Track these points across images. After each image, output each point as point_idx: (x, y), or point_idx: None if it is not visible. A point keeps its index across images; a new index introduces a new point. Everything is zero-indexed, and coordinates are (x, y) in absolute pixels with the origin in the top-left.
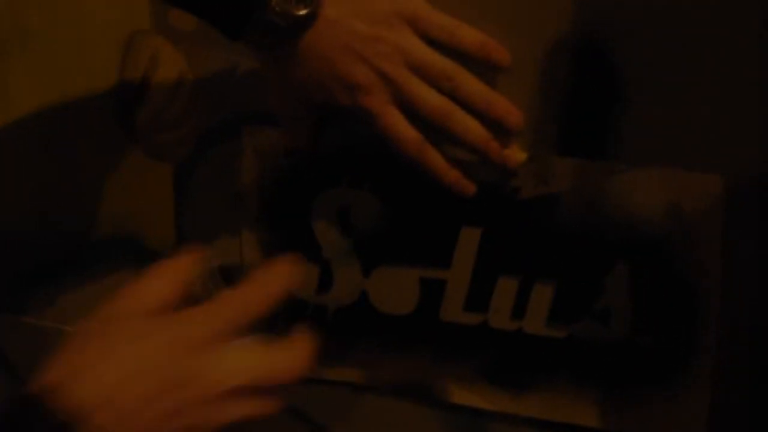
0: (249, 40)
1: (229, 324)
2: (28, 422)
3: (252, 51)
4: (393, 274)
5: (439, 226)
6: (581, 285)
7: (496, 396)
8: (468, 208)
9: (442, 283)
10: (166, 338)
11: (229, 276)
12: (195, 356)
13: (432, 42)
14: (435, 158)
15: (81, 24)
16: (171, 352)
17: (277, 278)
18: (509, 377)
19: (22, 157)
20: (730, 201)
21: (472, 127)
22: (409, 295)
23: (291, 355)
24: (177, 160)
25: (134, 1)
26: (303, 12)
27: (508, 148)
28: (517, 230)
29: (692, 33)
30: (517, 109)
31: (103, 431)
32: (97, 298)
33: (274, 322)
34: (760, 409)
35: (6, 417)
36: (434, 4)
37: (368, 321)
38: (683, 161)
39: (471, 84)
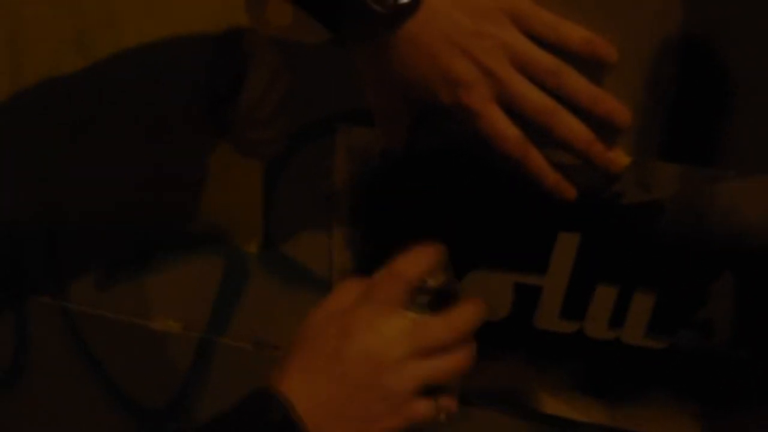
0: (348, 30)
1: (428, 350)
2: (258, 414)
3: (350, 43)
4: (487, 278)
5: (537, 230)
6: (683, 295)
7: (590, 407)
8: (567, 212)
9: (537, 289)
10: (377, 355)
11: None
12: (396, 374)
13: (535, 39)
14: (537, 159)
15: (175, 17)
16: (378, 368)
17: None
18: (604, 388)
19: (113, 150)
20: None
21: (575, 128)
22: (503, 301)
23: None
24: (268, 157)
25: None
26: (405, 0)
27: (612, 152)
28: (617, 237)
29: None
30: (624, 107)
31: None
32: (181, 295)
33: None
34: None
35: (243, 406)
36: (537, 2)
37: None
38: None
39: (576, 81)
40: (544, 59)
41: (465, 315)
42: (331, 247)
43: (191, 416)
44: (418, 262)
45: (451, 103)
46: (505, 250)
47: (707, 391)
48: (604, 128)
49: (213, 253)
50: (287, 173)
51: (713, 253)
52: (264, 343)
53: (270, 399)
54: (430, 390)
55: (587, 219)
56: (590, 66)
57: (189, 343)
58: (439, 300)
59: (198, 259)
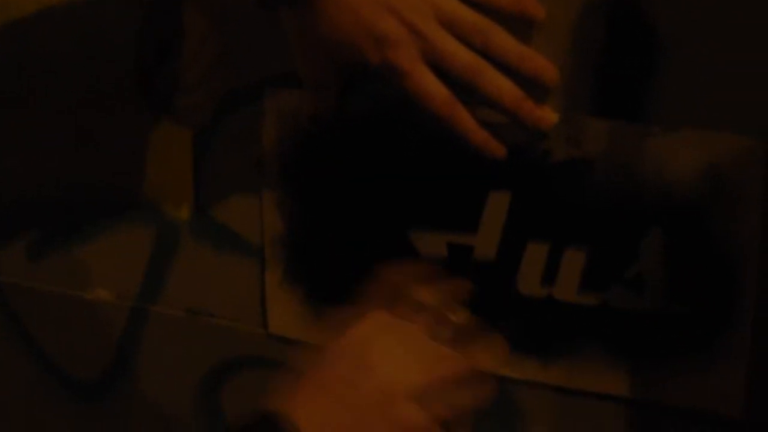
0: None
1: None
2: None
3: (276, 5)
4: (420, 238)
5: (468, 190)
6: (614, 251)
7: (523, 364)
8: (497, 171)
9: (469, 248)
10: (384, 387)
11: None
12: (411, 405)
13: None
14: (465, 117)
15: None
16: (386, 399)
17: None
18: (538, 345)
19: (37, 122)
20: None
21: (504, 86)
22: (437, 260)
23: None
24: (197, 124)
25: None
26: None
27: (540, 109)
28: (547, 194)
29: None
30: (551, 64)
31: None
32: (113, 264)
33: None
34: None
35: (257, 426)
36: None
37: None
38: (722, 124)
39: (504, 39)
40: (471, 17)
41: (488, 353)
42: (261, 212)
43: (126, 386)
44: (442, 293)
45: (378, 63)
46: (437, 210)
47: (639, 347)
48: (532, 86)
49: (144, 221)
50: (217, 139)
51: (642, 208)
52: (197, 311)
53: (277, 423)
54: (444, 424)
55: (518, 177)
56: (518, 25)
57: (122, 313)
58: (459, 337)
59: (129, 228)
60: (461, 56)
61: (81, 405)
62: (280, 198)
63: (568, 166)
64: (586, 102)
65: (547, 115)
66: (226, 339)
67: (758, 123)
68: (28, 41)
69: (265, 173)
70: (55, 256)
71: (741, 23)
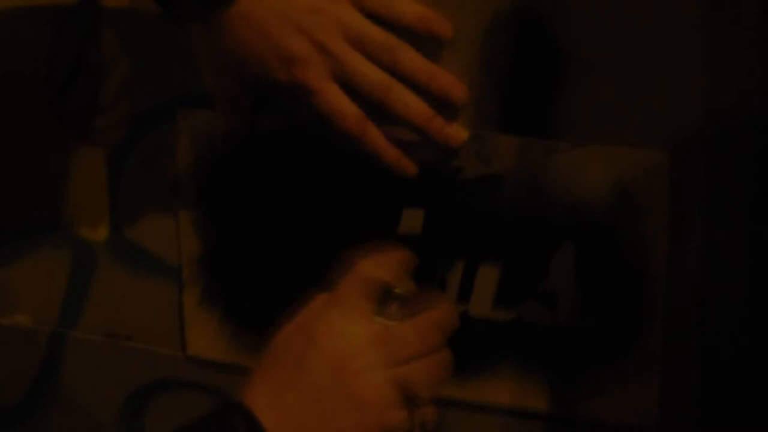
0: (181, 9)
1: (401, 357)
2: (222, 428)
3: (185, 23)
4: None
5: (383, 207)
6: (527, 267)
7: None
8: (411, 188)
9: None
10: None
11: None
12: (366, 381)
13: (371, 17)
14: (376, 136)
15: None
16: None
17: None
18: (455, 362)
19: None
20: (675, 176)
21: (412, 104)
22: None
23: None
24: (111, 144)
25: None
26: None
27: (450, 127)
28: (459, 211)
29: (632, 4)
30: (460, 82)
31: None
32: (29, 288)
33: None
34: (710, 389)
35: (206, 420)
36: None
37: None
38: (627, 137)
39: (412, 57)
40: (379, 36)
41: (437, 320)
42: (178, 233)
43: (46, 413)
44: (386, 265)
45: (286, 81)
46: (353, 228)
47: (555, 361)
48: (442, 104)
49: (60, 244)
50: (131, 159)
51: (552, 224)
52: (116, 334)
53: (235, 412)
54: (405, 401)
55: (430, 195)
56: (426, 42)
57: (40, 338)
58: (406, 309)
59: (45, 251)
60: (370, 74)
61: None
62: (196, 218)
63: (479, 183)
64: (495, 119)
65: (457, 133)
66: (145, 362)
67: (661, 136)
68: None
69: (180, 193)
70: None
71: (643, 37)
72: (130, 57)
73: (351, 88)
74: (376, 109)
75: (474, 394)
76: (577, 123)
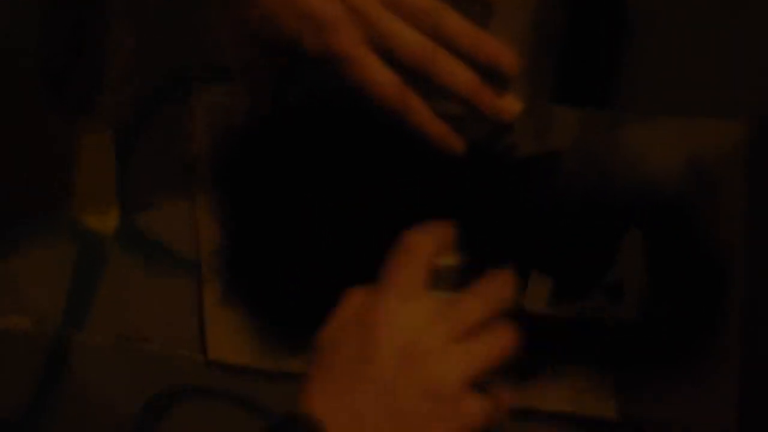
0: None
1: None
2: None
3: None
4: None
5: (425, 189)
6: (589, 255)
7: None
8: (457, 169)
9: None
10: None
11: None
12: (438, 363)
13: None
14: (419, 107)
15: None
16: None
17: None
18: (511, 365)
19: None
20: (755, 151)
21: (459, 72)
22: None
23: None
24: (119, 126)
25: None
26: None
27: (501, 98)
28: (513, 193)
29: None
30: (510, 49)
31: None
32: (30, 287)
33: None
34: None
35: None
36: None
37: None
38: (701, 108)
39: (456, 21)
40: None
41: (497, 285)
42: (195, 222)
43: (50, 426)
44: (433, 238)
45: (316, 49)
46: (392, 213)
47: (622, 362)
48: (491, 73)
49: (64, 237)
50: (142, 141)
51: (618, 207)
52: (128, 337)
53: (295, 425)
54: (478, 385)
55: (480, 174)
56: (471, 5)
57: (42, 342)
58: (460, 281)
59: (47, 245)
60: (409, 38)
61: None
62: (216, 205)
63: (534, 162)
64: (552, 89)
65: (509, 105)
66: (161, 368)
67: (739, 106)
68: None
69: (197, 178)
70: None
71: None
72: (138, 28)
73: (388, 56)
74: (417, 79)
75: (531, 399)
76: (644, 93)
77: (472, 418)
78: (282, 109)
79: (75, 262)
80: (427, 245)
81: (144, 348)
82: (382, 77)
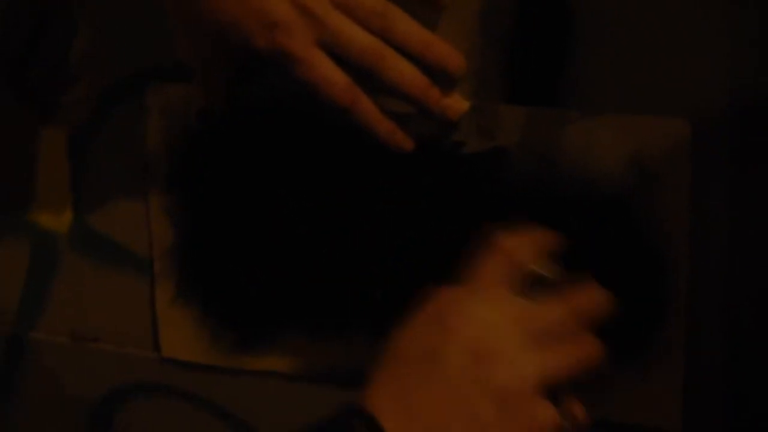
0: None
1: (546, 339)
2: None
3: None
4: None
5: (374, 187)
6: None
7: None
8: (405, 166)
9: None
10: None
11: None
12: (509, 368)
13: None
14: (367, 107)
15: None
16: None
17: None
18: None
19: None
20: (697, 148)
21: (407, 72)
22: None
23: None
24: (73, 123)
25: None
26: None
27: (448, 97)
28: (461, 189)
29: None
30: (457, 51)
31: None
32: None
33: None
34: (737, 379)
35: (330, 423)
36: None
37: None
38: (645, 106)
39: (405, 23)
40: (368, 0)
41: (585, 303)
42: (149, 221)
43: (4, 425)
44: (531, 243)
45: (268, 49)
46: (342, 211)
47: None
48: (438, 74)
49: (16, 234)
50: (95, 140)
51: (563, 202)
52: (82, 336)
53: (355, 418)
54: (551, 394)
55: (428, 171)
56: (419, 8)
57: None
58: (552, 294)
59: (1, 244)
60: (359, 39)
61: None
62: (169, 205)
63: (481, 158)
64: (498, 88)
65: (456, 103)
66: (115, 365)
67: (681, 104)
68: None
69: (151, 177)
70: None
71: None
72: (93, 26)
73: (338, 56)
74: (367, 79)
75: None
76: (588, 91)
77: (538, 426)
78: (236, 109)
79: (28, 260)
80: (523, 250)
81: (97, 346)
82: (332, 77)
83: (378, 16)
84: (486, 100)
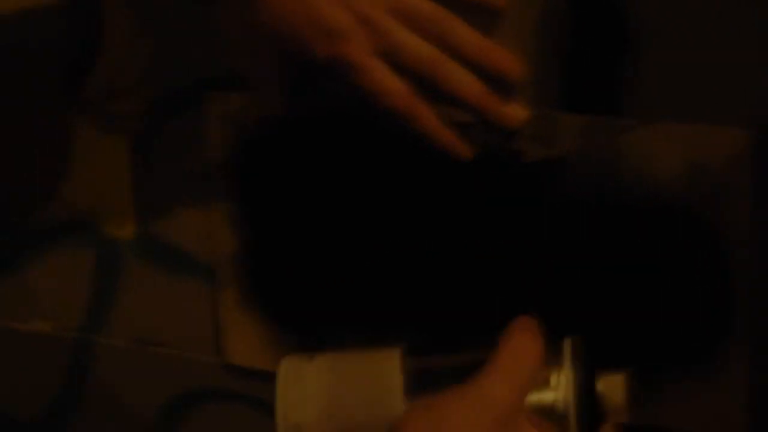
0: None
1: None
2: None
3: None
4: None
5: (433, 195)
6: (593, 260)
7: None
8: (463, 174)
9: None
10: None
11: None
12: None
13: None
14: (427, 115)
15: None
16: None
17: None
18: None
19: None
20: (758, 158)
21: (466, 80)
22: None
23: None
24: (134, 132)
25: None
26: None
27: (507, 106)
28: (519, 198)
29: None
30: (516, 58)
31: None
32: (50, 292)
33: None
34: None
35: None
36: None
37: None
38: (705, 115)
39: (462, 31)
40: (426, 7)
41: None
42: (211, 227)
43: (72, 427)
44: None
45: (327, 57)
46: (403, 218)
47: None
48: (497, 81)
49: (82, 242)
50: (157, 148)
51: (622, 212)
52: (145, 341)
53: None
54: None
55: (486, 180)
56: (478, 15)
57: (62, 346)
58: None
59: (66, 251)
60: (417, 48)
61: None
62: (231, 211)
63: (540, 167)
64: (557, 96)
65: (515, 112)
66: (179, 371)
67: (742, 112)
68: None
69: (212, 184)
70: None
71: (723, 3)
72: (155, 34)
73: (396, 65)
74: (425, 87)
75: None
76: (648, 99)
77: None
78: (295, 117)
79: (93, 268)
80: (535, 354)
81: (161, 351)
82: (391, 86)
83: (435, 24)
84: (544, 108)
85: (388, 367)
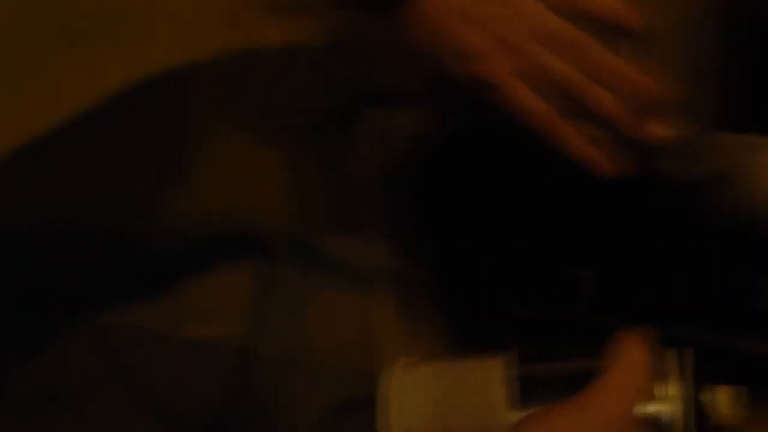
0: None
1: None
2: None
3: (368, 18)
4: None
5: (575, 209)
6: (735, 286)
7: None
8: (602, 191)
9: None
10: None
11: None
12: None
13: (554, 10)
14: (569, 132)
15: None
16: None
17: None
18: None
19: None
20: None
21: (605, 100)
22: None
23: None
24: (290, 147)
25: None
26: None
27: (648, 124)
28: (659, 216)
29: None
30: (653, 81)
31: None
32: (214, 300)
33: None
34: None
35: None
36: None
37: None
38: None
39: (601, 54)
40: (564, 30)
41: None
42: (365, 238)
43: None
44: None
45: (464, 77)
46: (548, 233)
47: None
48: (635, 101)
49: (238, 252)
50: (313, 162)
51: (764, 235)
52: (302, 348)
53: None
54: None
55: (624, 200)
56: (619, 38)
57: (228, 352)
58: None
59: (227, 261)
60: (556, 69)
61: None
62: (384, 224)
63: (680, 187)
64: (704, 115)
65: (656, 131)
66: (336, 379)
67: None
68: None
69: (366, 199)
70: (156, 294)
71: None
72: (305, 55)
73: (535, 85)
74: (563, 108)
75: None
76: None
77: None
78: (447, 135)
79: (253, 276)
80: (646, 368)
81: (318, 359)
82: (530, 105)
83: (575, 49)
84: (692, 127)
85: (491, 378)
